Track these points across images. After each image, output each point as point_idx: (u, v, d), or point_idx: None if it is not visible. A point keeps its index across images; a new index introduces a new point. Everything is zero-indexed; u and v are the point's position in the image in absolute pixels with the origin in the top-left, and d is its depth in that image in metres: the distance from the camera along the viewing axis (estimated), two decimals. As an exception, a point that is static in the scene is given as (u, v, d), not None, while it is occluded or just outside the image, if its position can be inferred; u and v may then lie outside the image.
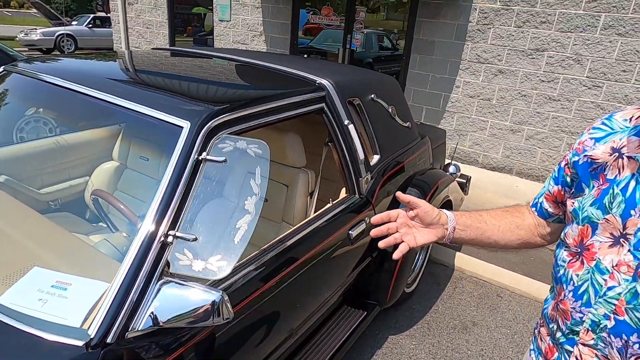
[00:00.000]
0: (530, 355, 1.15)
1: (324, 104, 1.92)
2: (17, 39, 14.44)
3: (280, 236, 1.62)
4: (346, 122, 1.97)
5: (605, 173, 0.92)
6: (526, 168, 5.07)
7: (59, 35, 14.53)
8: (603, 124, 0.96)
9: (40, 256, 1.25)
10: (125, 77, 1.79)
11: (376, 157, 2.19)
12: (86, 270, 1.18)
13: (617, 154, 0.90)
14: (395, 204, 2.34)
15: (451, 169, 3.16)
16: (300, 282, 1.65)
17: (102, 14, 18.01)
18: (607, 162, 0.92)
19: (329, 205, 1.91)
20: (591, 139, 0.96)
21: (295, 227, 1.70)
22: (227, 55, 2.39)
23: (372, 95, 2.23)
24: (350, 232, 1.93)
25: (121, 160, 2.36)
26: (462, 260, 3.33)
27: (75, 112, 2.06)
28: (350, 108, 2.05)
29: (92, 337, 1.02)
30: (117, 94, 1.50)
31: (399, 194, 1.11)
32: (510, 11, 4.66)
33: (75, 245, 1.33)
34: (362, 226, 2.00)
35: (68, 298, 1.07)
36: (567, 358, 0.96)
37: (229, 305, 1.13)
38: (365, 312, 2.29)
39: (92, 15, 16.38)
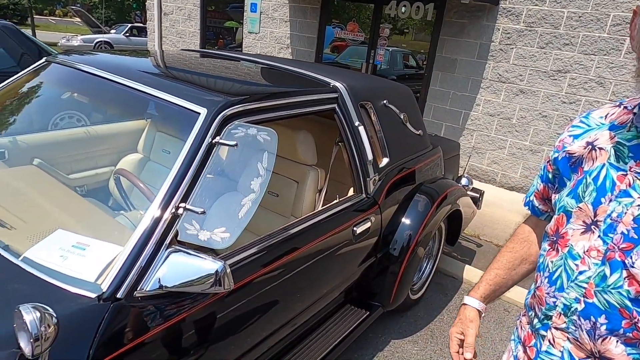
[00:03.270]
0: (510, 345, 1.19)
1: (336, 105, 2.02)
2: (59, 44, 15.27)
3: (286, 225, 1.71)
4: (357, 123, 2.07)
5: (582, 166, 0.98)
6: (544, 189, 5.01)
7: (98, 42, 15.29)
8: (581, 121, 1.02)
9: (64, 221, 1.38)
10: (154, 70, 1.94)
11: (385, 160, 2.27)
12: (104, 235, 1.30)
13: (590, 146, 0.96)
14: (402, 209, 2.40)
15: (463, 181, 3.20)
16: (301, 272, 1.73)
17: (139, 25, 18.86)
18: (582, 155, 0.97)
19: (335, 201, 1.99)
20: (570, 136, 1.02)
21: (302, 217, 1.78)
22: (250, 58, 2.54)
23: (385, 101, 2.32)
24: (354, 228, 2.00)
25: (145, 153, 2.51)
26: (471, 273, 3.33)
27: (106, 100, 2.22)
28: (362, 111, 2.15)
29: (104, 291, 1.12)
30: (145, 82, 1.64)
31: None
32: (533, 32, 4.70)
33: (96, 214, 1.45)
34: (367, 224, 2.07)
35: (86, 257, 1.18)
36: (542, 342, 1.00)
37: (230, 275, 1.21)
38: (368, 312, 2.34)
39: (129, 25, 17.19)
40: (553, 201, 1.04)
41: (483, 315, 1.23)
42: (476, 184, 4.65)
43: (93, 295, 1.11)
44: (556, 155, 1.03)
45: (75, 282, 1.13)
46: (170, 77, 1.79)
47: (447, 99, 5.49)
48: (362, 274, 2.30)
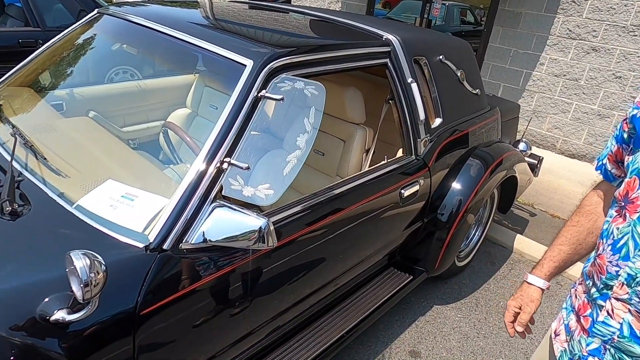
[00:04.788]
0: (561, 313, 1.12)
1: (388, 60, 1.90)
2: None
3: (331, 184, 1.66)
4: (409, 80, 1.94)
5: None
6: (611, 158, 4.63)
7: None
8: None
9: (115, 171, 1.41)
10: (202, 21, 1.89)
11: (438, 121, 2.14)
12: (152, 187, 1.31)
13: None
14: (453, 173, 2.28)
15: (521, 146, 2.99)
16: (345, 233, 1.69)
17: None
18: None
19: (383, 162, 1.91)
20: None
21: (349, 177, 1.73)
22: (299, 9, 2.43)
23: (441, 57, 2.16)
24: (402, 191, 1.92)
25: (193, 108, 2.52)
26: (523, 243, 3.18)
27: (156, 52, 2.22)
28: (415, 67, 2.01)
29: (151, 241, 1.14)
30: (192, 33, 1.60)
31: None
32: (613, -19, 4.20)
33: (145, 166, 1.48)
34: (416, 187, 1.99)
35: (134, 207, 1.20)
36: (599, 313, 0.93)
37: (273, 233, 1.19)
38: (411, 277, 2.30)
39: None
40: (626, 163, 0.94)
41: (546, 289, 1.18)
42: (534, 150, 4.37)
43: (141, 245, 1.13)
44: (635, 112, 0.93)
45: (124, 232, 1.15)
46: (217, 29, 1.73)
47: (507, 57, 5.10)
48: (408, 238, 2.24)
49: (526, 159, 2.94)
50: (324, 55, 1.60)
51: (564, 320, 1.10)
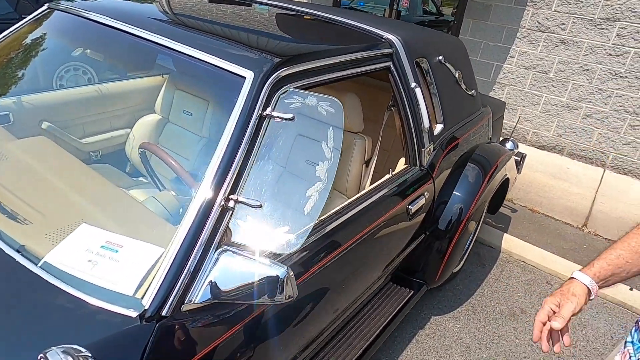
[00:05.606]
0: (626, 348, 1.00)
1: (390, 63, 1.72)
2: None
3: (336, 208, 1.47)
4: (413, 84, 1.77)
5: None
6: (579, 149, 4.73)
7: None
8: None
9: (88, 212, 1.14)
10: (181, 20, 1.62)
11: (439, 127, 1.99)
12: (137, 231, 1.07)
13: None
14: (453, 179, 2.15)
15: (509, 145, 2.92)
16: (350, 260, 1.51)
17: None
18: None
19: (388, 176, 1.74)
20: None
21: (354, 198, 1.54)
22: (268, 2, 2.18)
23: (440, 57, 2.01)
24: (409, 206, 1.76)
25: (163, 114, 2.25)
26: (510, 243, 3.14)
27: (122, 56, 1.92)
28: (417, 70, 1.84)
29: (146, 307, 0.91)
30: (172, 37, 1.34)
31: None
32: (582, -26, 4.21)
33: (124, 202, 1.22)
34: (422, 201, 1.84)
35: (120, 262, 0.96)
36: None
37: (294, 282, 0.99)
38: (412, 292, 2.16)
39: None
40: None
41: (592, 298, 1.02)
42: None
43: (134, 314, 0.89)
44: None
45: (110, 297, 0.91)
46: (193, 29, 1.47)
47: (478, 50, 5.06)
48: (410, 252, 2.10)
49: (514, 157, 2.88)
50: (329, 62, 1.39)
51: (631, 356, 0.98)
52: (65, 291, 0.91)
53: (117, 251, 0.97)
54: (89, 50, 1.95)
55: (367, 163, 1.90)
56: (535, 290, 2.76)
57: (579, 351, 2.35)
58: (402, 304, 2.06)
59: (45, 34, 1.83)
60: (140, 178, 1.89)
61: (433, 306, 2.53)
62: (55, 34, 1.83)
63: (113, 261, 0.96)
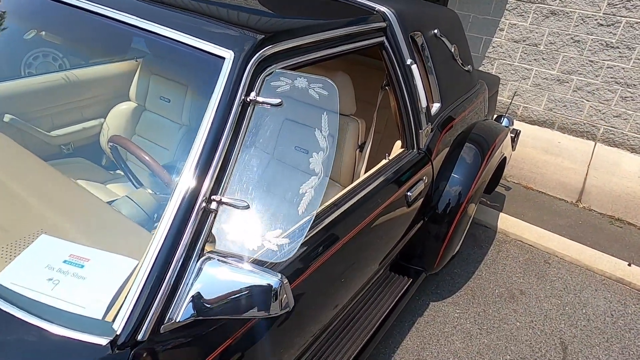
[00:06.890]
0: None
1: (384, 38, 1.57)
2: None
3: (332, 200, 1.34)
4: (409, 61, 1.63)
5: None
6: (570, 123, 4.67)
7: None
8: None
9: (48, 220, 0.99)
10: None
11: (436, 106, 1.86)
12: (107, 241, 0.93)
13: None
14: (450, 161, 2.04)
15: (504, 121, 2.82)
16: (348, 254, 1.40)
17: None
18: None
19: (385, 161, 1.61)
20: None
21: (350, 187, 1.42)
22: None
23: (435, 31, 1.86)
24: (408, 193, 1.65)
25: (139, 101, 2.08)
26: (506, 222, 3.07)
27: (89, 38, 1.74)
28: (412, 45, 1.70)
29: (118, 333, 0.77)
30: (143, 15, 1.17)
31: None
32: (573, -60, 4.06)
33: (92, 206, 1.06)
34: (421, 186, 1.72)
35: (86, 279, 0.82)
36: None
37: (289, 291, 0.87)
38: (411, 280, 2.07)
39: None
40: None
41: None
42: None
43: (104, 342, 0.76)
44: None
45: (75, 322, 0.77)
46: (173, 7, 1.30)
47: (466, 23, 4.90)
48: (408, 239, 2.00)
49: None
50: (318, 38, 1.24)
51: None
52: (20, 319, 0.77)
53: (82, 266, 0.84)
54: (54, 34, 1.76)
55: (361, 148, 1.77)
56: (533, 270, 2.70)
57: (580, 331, 2.31)
58: (400, 294, 1.97)
59: (3, 14, 1.64)
60: (118, 171, 1.74)
61: (431, 292, 2.45)
62: (16, 16, 1.63)
63: (78, 279, 0.82)
